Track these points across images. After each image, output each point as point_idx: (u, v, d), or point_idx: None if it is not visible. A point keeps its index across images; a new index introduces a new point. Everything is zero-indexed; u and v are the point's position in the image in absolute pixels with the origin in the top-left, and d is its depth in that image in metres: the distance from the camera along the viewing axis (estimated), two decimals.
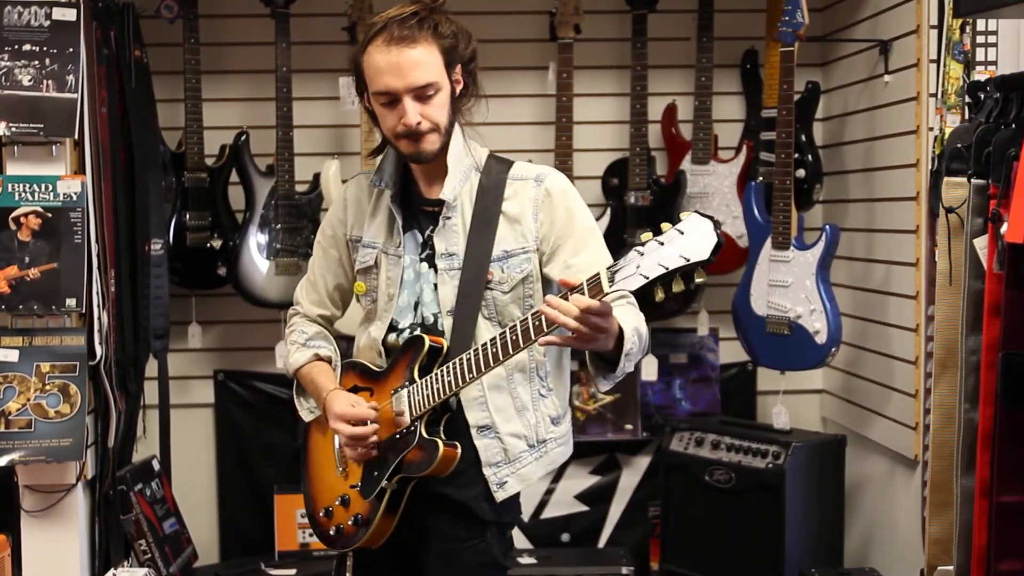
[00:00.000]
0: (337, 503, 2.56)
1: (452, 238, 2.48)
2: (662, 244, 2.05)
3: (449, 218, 2.48)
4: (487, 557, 2.48)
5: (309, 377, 2.62)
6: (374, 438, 2.45)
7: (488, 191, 2.48)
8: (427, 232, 2.52)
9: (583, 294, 2.13)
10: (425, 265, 2.51)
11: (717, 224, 2.03)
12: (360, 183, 2.63)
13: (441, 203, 2.48)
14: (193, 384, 4.27)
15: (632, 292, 2.08)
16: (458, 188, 2.48)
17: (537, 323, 2.21)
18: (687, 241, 2.03)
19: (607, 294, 2.10)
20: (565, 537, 4.29)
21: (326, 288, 2.68)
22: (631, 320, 2.32)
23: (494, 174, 2.50)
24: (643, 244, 2.06)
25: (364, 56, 2.41)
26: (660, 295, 2.06)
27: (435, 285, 2.49)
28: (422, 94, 2.38)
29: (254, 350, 4.26)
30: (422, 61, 2.37)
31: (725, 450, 3.90)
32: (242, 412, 4.27)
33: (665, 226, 2.06)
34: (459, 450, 2.40)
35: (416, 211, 2.54)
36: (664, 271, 2.03)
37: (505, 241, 2.46)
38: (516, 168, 2.52)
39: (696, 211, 2.07)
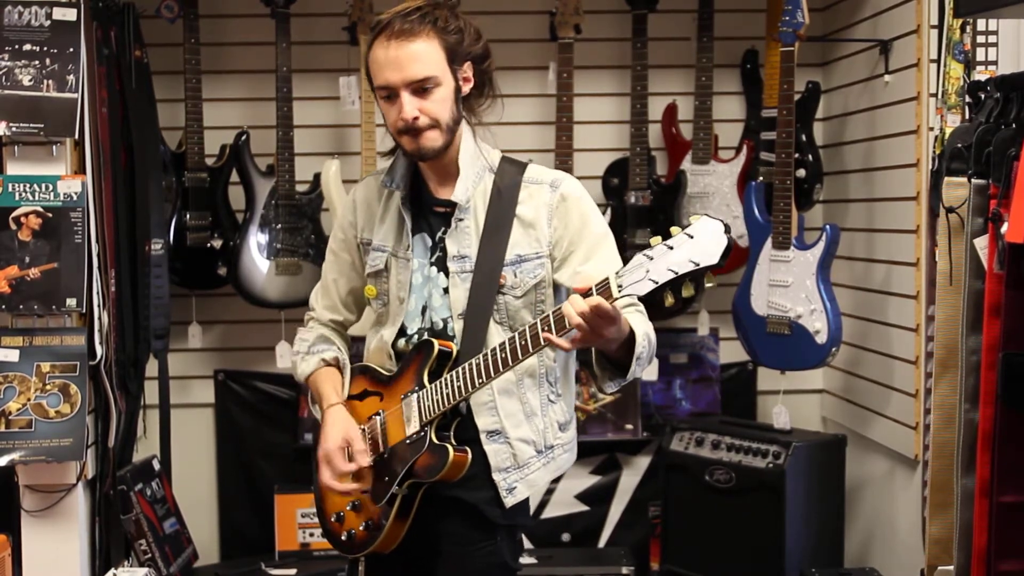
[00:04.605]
0: (348, 508, 2.54)
1: (464, 240, 2.45)
2: (671, 248, 2.01)
3: (462, 220, 2.45)
4: (496, 559, 2.47)
5: (315, 386, 2.60)
6: (354, 485, 2.47)
7: (502, 194, 2.44)
8: (438, 234, 2.48)
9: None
10: (435, 269, 2.48)
11: (727, 228, 1.99)
12: (370, 185, 2.59)
13: (452, 204, 2.45)
14: (193, 384, 4.26)
15: (641, 297, 2.06)
16: (471, 190, 2.45)
17: (547, 328, 2.19)
18: (697, 245, 1.99)
19: (616, 299, 2.08)
20: (565, 537, 4.29)
21: (338, 293, 2.64)
22: (641, 326, 2.31)
23: (508, 177, 2.46)
24: (652, 248, 2.03)
25: (370, 53, 2.39)
26: (670, 300, 2.03)
27: (444, 289, 2.46)
28: (420, 88, 2.34)
29: (254, 350, 4.25)
30: (420, 55, 2.33)
31: (725, 450, 3.89)
32: (242, 412, 4.27)
33: (675, 230, 2.03)
34: (469, 455, 2.38)
35: (427, 212, 2.51)
36: (674, 275, 2.00)
37: (519, 245, 2.43)
38: (531, 171, 2.48)
39: (706, 214, 2.03)
